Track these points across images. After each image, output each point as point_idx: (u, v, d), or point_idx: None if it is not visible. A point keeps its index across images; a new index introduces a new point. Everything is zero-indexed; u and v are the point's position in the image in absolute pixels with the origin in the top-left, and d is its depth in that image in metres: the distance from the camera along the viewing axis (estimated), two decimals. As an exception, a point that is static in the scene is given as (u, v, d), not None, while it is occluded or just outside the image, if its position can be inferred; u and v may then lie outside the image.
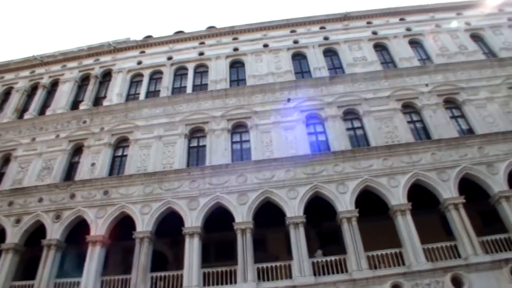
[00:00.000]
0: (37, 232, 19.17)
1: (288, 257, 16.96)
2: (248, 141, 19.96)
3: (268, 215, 18.30)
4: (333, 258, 16.04)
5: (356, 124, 20.46)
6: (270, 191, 17.63)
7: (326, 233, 20.20)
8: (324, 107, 20.73)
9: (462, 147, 18.29)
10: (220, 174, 18.40)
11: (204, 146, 20.20)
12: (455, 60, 22.40)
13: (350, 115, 20.67)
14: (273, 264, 16.25)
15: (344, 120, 20.35)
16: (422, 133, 19.76)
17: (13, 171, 21.79)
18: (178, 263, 19.15)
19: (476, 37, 24.45)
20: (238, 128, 20.84)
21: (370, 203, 17.56)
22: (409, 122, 20.07)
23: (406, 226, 16.19)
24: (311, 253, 16.43)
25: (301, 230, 16.52)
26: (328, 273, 15.63)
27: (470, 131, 19.49)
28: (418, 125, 20.19)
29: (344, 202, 17.02)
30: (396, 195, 17.04)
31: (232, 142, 20.11)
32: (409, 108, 20.72)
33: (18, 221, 19.47)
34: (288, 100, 21.06)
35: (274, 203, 17.53)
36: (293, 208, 17.03)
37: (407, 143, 18.63)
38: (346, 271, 15.57)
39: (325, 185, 17.61)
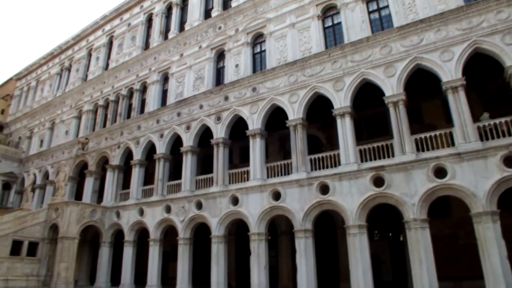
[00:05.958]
0: (205, 134, 22.11)
1: (447, 125, 15.92)
2: (386, 6, 17.80)
3: (420, 83, 17.14)
4: (503, 120, 14.29)
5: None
6: (419, 57, 15.97)
7: (491, 94, 18.10)
8: None
9: None
10: (361, 49, 17.37)
11: (339, 23, 19.01)
12: None
13: None
14: (432, 134, 15.45)
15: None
16: None
17: (173, 86, 24.86)
18: (332, 144, 20.05)
19: None
20: (373, -6, 18.75)
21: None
22: None
23: None
24: (475, 118, 14.96)
25: (461, 94, 14.88)
26: (498, 137, 14.15)
27: None
28: None
29: (515, 54, 14.38)
30: None
31: (369, 12, 18.26)
32: None
33: (188, 128, 22.73)
34: None
35: (426, 69, 15.97)
36: (449, 71, 15.20)
37: None
38: (521, 133, 13.83)
39: (487, 38, 14.94)
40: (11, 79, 45.13)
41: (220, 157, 20.57)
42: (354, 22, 18.28)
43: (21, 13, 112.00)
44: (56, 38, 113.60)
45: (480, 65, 16.01)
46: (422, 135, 15.56)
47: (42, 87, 38.41)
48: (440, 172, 14.50)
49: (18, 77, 42.85)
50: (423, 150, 15.34)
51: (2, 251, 21.85)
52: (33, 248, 23.41)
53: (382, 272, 19.28)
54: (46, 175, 32.04)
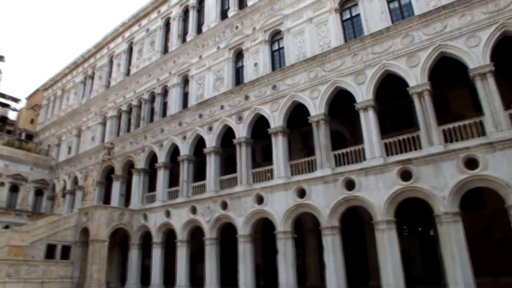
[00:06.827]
0: (227, 134, 22.12)
1: (476, 114, 15.27)
2: (407, -5, 17.35)
3: (446, 72, 16.53)
4: (537, 105, 13.67)
5: None
6: (444, 45, 15.39)
7: (523, 79, 17.28)
8: None
9: None
10: (382, 40, 16.92)
11: (358, 15, 18.58)
12: None
13: None
14: (460, 124, 14.86)
15: None
16: None
17: (194, 88, 25.01)
18: (356, 139, 19.63)
19: None
20: (392, -17, 18.19)
21: None
22: None
23: None
24: (506, 105, 14.26)
25: (490, 80, 14.22)
26: (533, 124, 13.49)
27: None
28: None
29: (548, 36, 13.65)
30: None
31: (388, 2, 17.71)
32: None
33: (210, 129, 22.81)
34: None
35: (451, 57, 15.37)
36: (477, 57, 14.56)
37: None
38: (558, 119, 13.13)
39: (516, 21, 14.29)
40: (38, 90, 46.73)
41: (243, 156, 20.54)
42: (373, 12, 17.84)
43: (43, 26, 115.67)
44: (79, 47, 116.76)
45: (509, 49, 15.29)
46: (450, 126, 15.00)
47: (67, 95, 39.52)
48: (471, 163, 13.92)
49: (45, 87, 44.25)
50: (451, 141, 14.78)
51: (37, 255, 22.61)
52: (66, 252, 24.12)
53: (413, 268, 18.76)
54: (75, 181, 32.96)
